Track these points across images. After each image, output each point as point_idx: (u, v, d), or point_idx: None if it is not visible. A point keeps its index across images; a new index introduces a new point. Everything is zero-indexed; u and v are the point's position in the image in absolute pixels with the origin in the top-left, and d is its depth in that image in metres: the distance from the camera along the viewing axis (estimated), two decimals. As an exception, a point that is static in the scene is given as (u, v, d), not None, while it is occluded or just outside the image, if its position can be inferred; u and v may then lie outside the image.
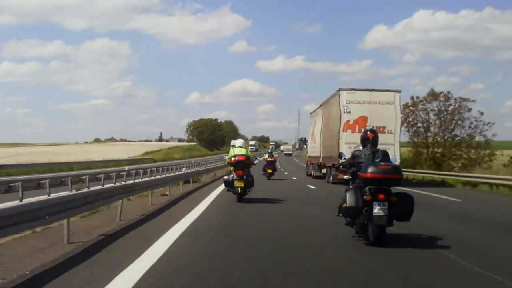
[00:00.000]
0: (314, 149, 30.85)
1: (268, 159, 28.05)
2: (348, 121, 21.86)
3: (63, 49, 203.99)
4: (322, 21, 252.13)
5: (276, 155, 40.35)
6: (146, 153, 75.76)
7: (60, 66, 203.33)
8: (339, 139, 21.93)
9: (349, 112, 21.84)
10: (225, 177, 14.52)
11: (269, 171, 27.01)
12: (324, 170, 26.26)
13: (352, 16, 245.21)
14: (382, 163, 7.36)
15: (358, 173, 7.57)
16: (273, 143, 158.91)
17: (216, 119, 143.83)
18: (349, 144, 21.50)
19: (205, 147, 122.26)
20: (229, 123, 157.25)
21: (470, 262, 6.16)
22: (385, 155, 7.71)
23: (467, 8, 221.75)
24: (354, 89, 22.18)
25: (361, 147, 8.16)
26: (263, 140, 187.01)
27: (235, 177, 13.66)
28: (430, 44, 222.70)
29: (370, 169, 7.17)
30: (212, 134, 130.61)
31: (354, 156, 8.08)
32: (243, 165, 13.80)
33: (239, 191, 13.55)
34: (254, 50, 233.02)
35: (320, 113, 29.05)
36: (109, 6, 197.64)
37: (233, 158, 13.89)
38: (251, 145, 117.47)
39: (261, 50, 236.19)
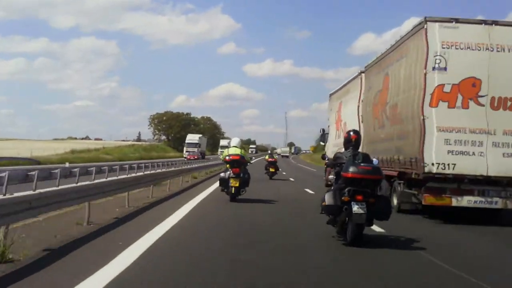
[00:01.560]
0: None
1: (268, 160, 27.10)
2: (442, 86, 10.70)
3: (49, 46, 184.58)
4: (312, 26, 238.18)
5: (277, 156, 38.13)
6: (73, 151, 56.06)
7: (46, 64, 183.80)
8: (423, 119, 10.71)
9: (444, 68, 10.73)
10: (222, 174, 14.00)
11: (271, 170, 26.36)
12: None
13: (342, 23, 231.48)
14: (362, 164, 7.52)
15: (340, 173, 7.67)
16: (254, 147, 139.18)
17: (188, 113, 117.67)
18: (446, 131, 10.64)
19: (175, 146, 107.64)
20: (208, 120, 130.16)
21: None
22: (365, 157, 7.85)
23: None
24: (457, 19, 10.93)
25: (343, 149, 8.34)
26: (248, 143, 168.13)
27: (231, 174, 13.36)
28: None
29: (351, 169, 7.41)
30: (183, 130, 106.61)
31: (336, 157, 8.28)
32: (238, 164, 13.59)
33: (233, 191, 13.31)
34: (243, 52, 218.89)
35: (357, 86, 17.94)
36: (98, 3, 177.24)
37: (227, 157, 13.83)
38: (222, 147, 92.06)
39: (249, 53, 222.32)
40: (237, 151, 14.01)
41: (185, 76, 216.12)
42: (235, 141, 14.66)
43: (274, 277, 5.48)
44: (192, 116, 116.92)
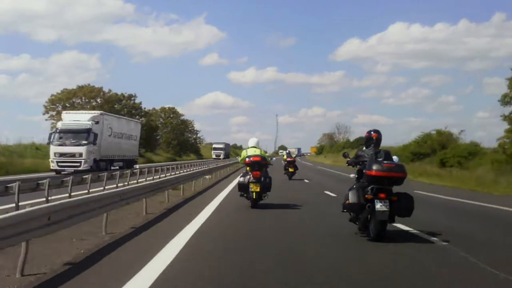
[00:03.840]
0: None
1: (287, 159, 27.98)
2: None
3: (31, 62, 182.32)
4: (296, 34, 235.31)
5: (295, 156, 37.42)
6: None
7: (28, 79, 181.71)
8: None
9: None
10: (241, 179, 12.96)
11: (290, 170, 26.88)
12: None
13: (326, 29, 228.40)
14: (385, 162, 7.61)
15: (364, 171, 7.75)
16: (221, 145, 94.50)
17: (132, 96, 69.94)
18: None
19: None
20: (171, 112, 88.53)
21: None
22: (387, 155, 7.90)
23: (443, 21, 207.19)
24: None
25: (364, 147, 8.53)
26: (235, 148, 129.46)
27: (251, 179, 12.55)
28: (403, 56, 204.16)
29: (375, 167, 7.46)
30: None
31: (357, 155, 8.43)
32: (259, 165, 12.81)
33: (254, 197, 12.52)
34: (227, 62, 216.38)
35: None
36: (80, 16, 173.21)
37: (247, 159, 12.99)
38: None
39: (233, 62, 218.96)
40: (257, 151, 13.16)
41: (170, 87, 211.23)
42: (253, 141, 13.60)
43: (303, 269, 5.95)
44: (130, 95, 70.04)
